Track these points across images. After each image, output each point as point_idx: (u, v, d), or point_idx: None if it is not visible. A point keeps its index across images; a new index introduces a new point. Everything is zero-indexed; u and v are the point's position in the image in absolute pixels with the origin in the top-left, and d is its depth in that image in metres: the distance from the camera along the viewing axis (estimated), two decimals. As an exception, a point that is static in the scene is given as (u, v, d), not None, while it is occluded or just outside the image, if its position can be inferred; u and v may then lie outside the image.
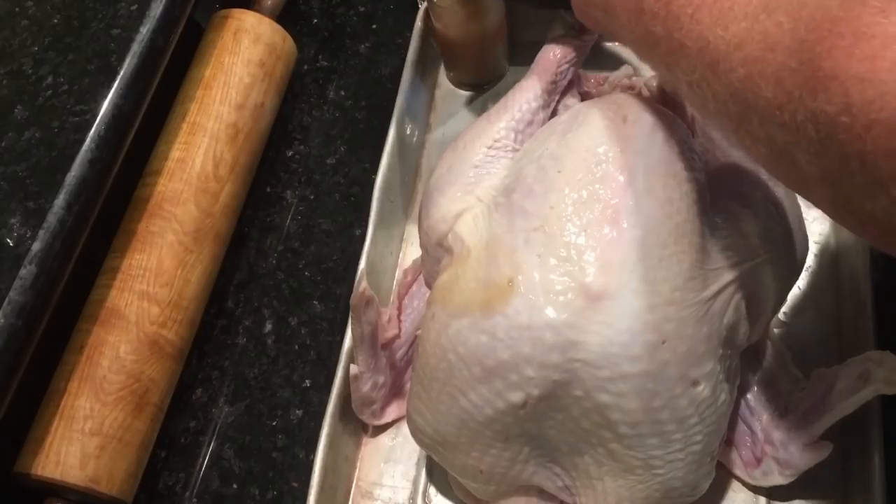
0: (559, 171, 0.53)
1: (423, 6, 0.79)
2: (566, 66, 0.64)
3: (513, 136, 0.60)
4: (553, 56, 0.64)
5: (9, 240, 0.56)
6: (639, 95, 0.66)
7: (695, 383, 0.50)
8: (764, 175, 0.57)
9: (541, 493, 0.58)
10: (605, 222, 0.50)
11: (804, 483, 0.58)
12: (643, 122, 0.54)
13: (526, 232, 0.52)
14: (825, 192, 0.37)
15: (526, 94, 0.62)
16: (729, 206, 0.56)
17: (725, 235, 0.54)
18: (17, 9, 0.66)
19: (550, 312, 0.49)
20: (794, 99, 0.35)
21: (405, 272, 0.69)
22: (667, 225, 0.51)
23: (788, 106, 0.35)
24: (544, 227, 0.51)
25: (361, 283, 0.58)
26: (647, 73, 0.67)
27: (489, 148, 0.60)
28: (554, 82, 0.63)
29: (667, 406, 0.50)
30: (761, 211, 0.56)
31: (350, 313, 0.59)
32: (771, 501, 0.59)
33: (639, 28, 0.45)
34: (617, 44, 0.80)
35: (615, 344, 0.49)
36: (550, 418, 0.52)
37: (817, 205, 0.40)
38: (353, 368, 0.61)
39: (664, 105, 0.62)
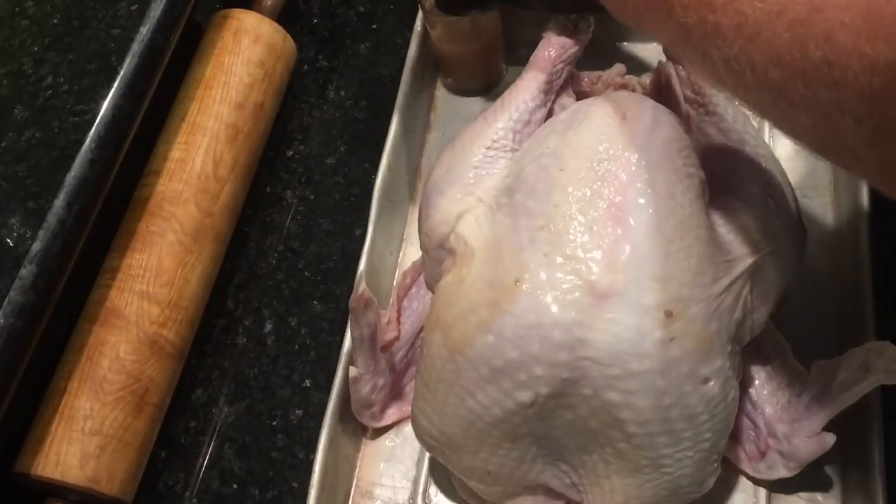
0: (561, 170, 0.53)
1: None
2: (561, 65, 0.64)
3: (511, 135, 0.60)
4: (548, 55, 0.64)
5: (9, 240, 0.56)
6: (635, 93, 0.66)
7: (705, 380, 0.50)
8: (760, 168, 0.57)
9: (548, 491, 0.58)
10: (610, 220, 0.50)
11: (805, 478, 0.58)
12: (643, 119, 0.54)
13: (531, 231, 0.52)
14: (873, 153, 0.36)
15: (522, 94, 0.62)
16: (727, 202, 0.56)
17: (727, 230, 0.54)
18: (17, 9, 0.66)
19: (558, 311, 0.49)
20: (847, 52, 0.34)
21: (404, 274, 0.69)
22: (671, 220, 0.51)
23: (839, 61, 0.35)
24: (549, 225, 0.51)
25: (361, 285, 0.58)
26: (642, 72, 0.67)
27: (488, 148, 0.60)
28: (550, 82, 0.63)
29: (676, 404, 0.50)
30: (759, 205, 0.56)
31: (349, 315, 0.59)
32: (772, 494, 0.59)
33: (671, 24, 0.45)
34: (615, 43, 0.80)
35: (623, 341, 0.49)
36: (559, 417, 0.52)
37: (860, 172, 0.39)
38: (353, 371, 0.61)
39: (658, 95, 0.62)
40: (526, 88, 0.63)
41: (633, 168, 0.52)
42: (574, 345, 0.49)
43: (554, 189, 0.53)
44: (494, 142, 0.60)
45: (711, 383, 0.51)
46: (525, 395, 0.51)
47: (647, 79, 0.70)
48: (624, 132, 0.54)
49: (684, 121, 0.60)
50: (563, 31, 0.65)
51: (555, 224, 0.51)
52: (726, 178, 0.58)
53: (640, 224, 0.50)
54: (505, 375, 0.51)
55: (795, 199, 0.58)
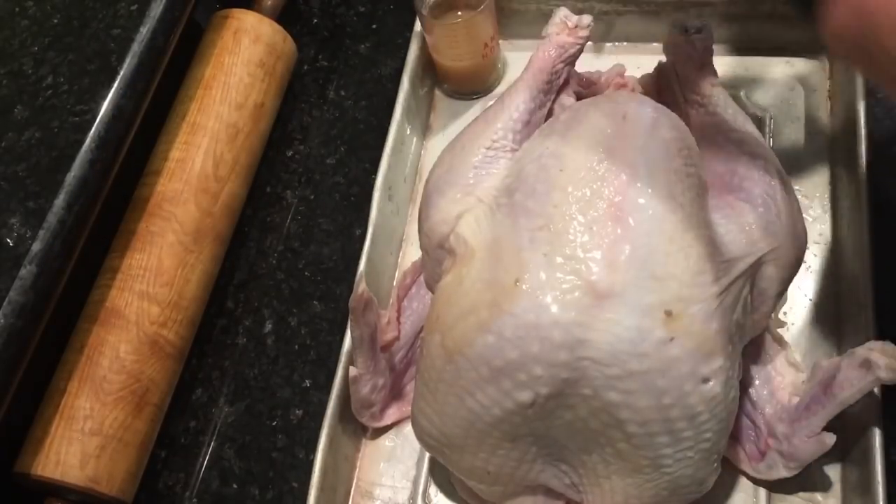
0: (561, 170, 0.53)
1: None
2: (561, 65, 0.64)
3: (510, 136, 0.61)
4: (547, 56, 0.64)
5: (9, 240, 0.56)
6: (635, 93, 0.66)
7: (705, 380, 0.50)
8: (760, 168, 0.57)
9: (547, 491, 0.58)
10: (610, 220, 0.50)
11: (805, 478, 0.58)
12: (642, 119, 0.55)
13: (530, 231, 0.52)
14: None
15: (522, 94, 0.62)
16: (728, 201, 0.56)
17: (728, 230, 0.55)
18: (17, 9, 0.66)
19: (558, 311, 0.49)
20: None
21: (404, 274, 0.69)
22: (671, 220, 0.51)
23: None
24: (549, 225, 0.51)
25: (360, 285, 0.58)
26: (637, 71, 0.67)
27: (487, 149, 0.60)
28: (549, 82, 0.63)
29: (677, 404, 0.50)
30: (759, 205, 0.56)
31: (349, 315, 0.59)
32: (772, 494, 0.59)
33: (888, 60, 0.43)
34: (616, 43, 0.81)
35: (623, 341, 0.49)
36: (559, 417, 0.52)
37: None
38: (353, 371, 0.61)
39: (657, 94, 0.62)
40: (525, 89, 0.63)
41: (633, 168, 0.52)
42: (574, 345, 0.49)
43: (554, 189, 0.53)
44: (494, 142, 0.60)
45: (712, 383, 0.51)
46: (525, 396, 0.51)
47: (646, 79, 0.70)
48: (624, 132, 0.54)
49: (685, 120, 0.60)
50: (563, 31, 0.65)
51: (554, 224, 0.51)
52: (726, 179, 0.58)
53: (640, 224, 0.50)
54: (505, 375, 0.51)
55: (796, 200, 0.58)
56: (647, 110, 0.55)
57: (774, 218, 0.56)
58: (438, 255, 0.59)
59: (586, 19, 0.65)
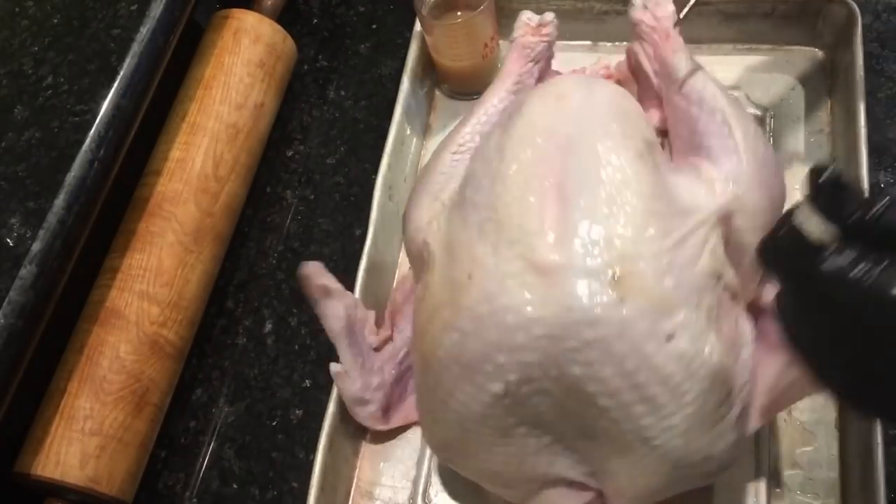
0: (502, 161, 0.53)
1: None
2: (530, 64, 0.64)
3: (478, 138, 0.61)
4: (516, 56, 0.64)
5: (9, 240, 0.57)
6: (574, 74, 0.66)
7: (668, 337, 0.48)
8: (719, 122, 0.57)
9: (569, 483, 0.56)
10: (548, 197, 0.50)
11: (805, 478, 0.58)
12: (575, 95, 0.54)
13: (478, 224, 0.52)
14: None
15: (492, 97, 0.63)
16: (692, 162, 0.56)
17: (689, 188, 0.53)
18: (17, 9, 0.66)
19: (508, 295, 0.48)
20: None
21: (404, 276, 0.69)
22: (609, 185, 0.50)
23: None
24: (492, 216, 0.51)
25: (303, 267, 0.58)
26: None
27: (454, 153, 0.60)
28: (518, 83, 0.64)
29: (642, 366, 0.48)
30: (721, 157, 0.55)
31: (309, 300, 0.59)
32: (772, 494, 0.59)
33: None
34: (615, 43, 0.80)
35: (573, 310, 0.47)
36: (540, 404, 0.51)
37: None
38: (334, 367, 0.61)
39: (634, 77, 0.62)
40: (495, 92, 0.63)
41: (566, 141, 0.51)
42: (528, 325, 0.48)
43: (496, 180, 0.52)
44: (461, 146, 0.61)
45: (676, 340, 0.48)
46: (496, 386, 0.50)
47: (622, 65, 0.70)
48: (557, 111, 0.53)
49: (657, 93, 0.60)
50: (528, 33, 0.65)
51: (497, 213, 0.51)
52: (691, 141, 0.58)
53: (577, 194, 0.49)
54: (473, 370, 0.50)
55: (763, 144, 0.57)
56: (581, 86, 0.55)
57: (735, 166, 0.55)
58: (419, 264, 0.59)
59: (548, 16, 0.65)
